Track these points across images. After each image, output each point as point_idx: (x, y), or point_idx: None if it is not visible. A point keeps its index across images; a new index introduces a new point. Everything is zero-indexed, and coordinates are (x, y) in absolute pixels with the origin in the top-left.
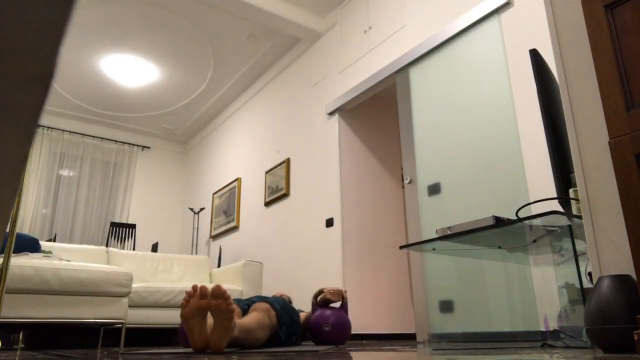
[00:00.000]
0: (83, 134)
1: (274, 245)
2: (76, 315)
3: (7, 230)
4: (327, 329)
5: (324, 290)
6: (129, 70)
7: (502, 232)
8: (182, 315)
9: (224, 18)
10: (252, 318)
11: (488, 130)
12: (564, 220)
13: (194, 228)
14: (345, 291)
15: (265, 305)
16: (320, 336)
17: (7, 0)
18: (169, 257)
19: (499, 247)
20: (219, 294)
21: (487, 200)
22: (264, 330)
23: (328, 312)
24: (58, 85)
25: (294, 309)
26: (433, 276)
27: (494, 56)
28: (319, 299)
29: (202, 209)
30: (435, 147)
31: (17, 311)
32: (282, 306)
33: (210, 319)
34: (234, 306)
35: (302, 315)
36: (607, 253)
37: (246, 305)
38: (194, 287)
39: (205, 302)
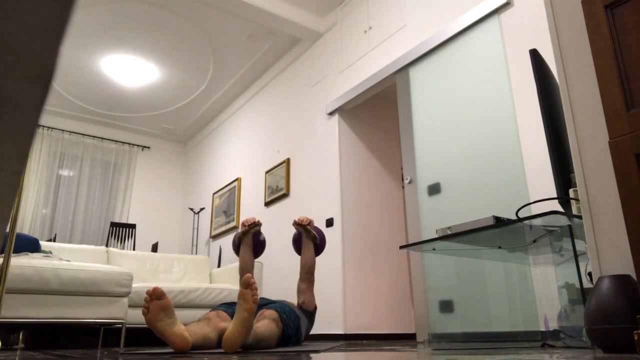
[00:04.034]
0: (83, 134)
1: (274, 245)
2: (76, 315)
3: (7, 230)
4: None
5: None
6: (129, 70)
7: (502, 232)
8: (147, 322)
9: (224, 18)
10: (267, 327)
11: (488, 130)
12: (564, 220)
13: (194, 228)
14: (311, 221)
15: (275, 314)
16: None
17: (7, 0)
18: (169, 257)
19: (499, 247)
20: (248, 283)
21: (487, 200)
22: (275, 341)
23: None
24: (58, 85)
25: (296, 314)
26: (433, 276)
27: (494, 56)
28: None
29: (202, 209)
30: (435, 147)
31: (17, 311)
32: (288, 315)
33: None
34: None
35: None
36: (607, 253)
37: None
38: (149, 292)
39: (166, 300)
